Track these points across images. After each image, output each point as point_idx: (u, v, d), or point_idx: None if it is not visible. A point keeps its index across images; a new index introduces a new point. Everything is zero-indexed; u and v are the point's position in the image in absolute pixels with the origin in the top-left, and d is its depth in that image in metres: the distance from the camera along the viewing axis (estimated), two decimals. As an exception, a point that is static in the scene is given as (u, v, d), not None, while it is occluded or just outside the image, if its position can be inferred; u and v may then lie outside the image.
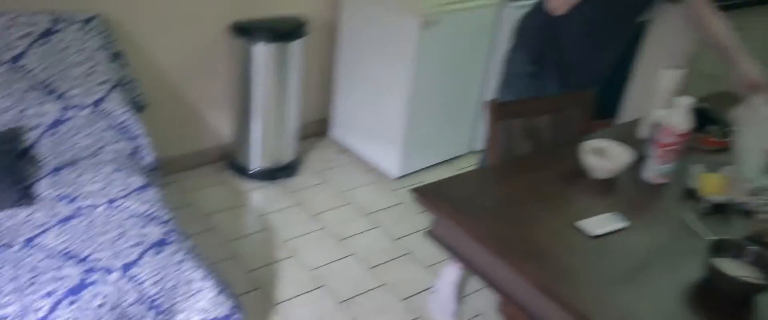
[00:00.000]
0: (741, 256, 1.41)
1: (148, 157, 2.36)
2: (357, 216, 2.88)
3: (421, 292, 2.46)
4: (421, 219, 2.88)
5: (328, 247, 2.65)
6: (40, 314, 1.58)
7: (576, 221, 1.53)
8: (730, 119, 1.97)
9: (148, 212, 1.96)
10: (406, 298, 2.42)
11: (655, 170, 1.75)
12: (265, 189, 3.00)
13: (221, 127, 3.08)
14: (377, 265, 2.58)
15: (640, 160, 1.80)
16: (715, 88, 2.39)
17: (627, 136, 1.97)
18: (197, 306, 1.82)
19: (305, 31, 2.92)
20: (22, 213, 1.93)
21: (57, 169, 2.15)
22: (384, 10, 2.93)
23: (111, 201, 1.99)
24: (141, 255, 1.76)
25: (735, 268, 1.38)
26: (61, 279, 1.65)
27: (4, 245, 1.78)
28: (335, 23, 3.20)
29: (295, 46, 2.89)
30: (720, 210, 1.65)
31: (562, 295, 1.30)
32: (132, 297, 1.70)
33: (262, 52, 2.81)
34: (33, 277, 1.66)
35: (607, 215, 1.57)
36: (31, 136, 2.18)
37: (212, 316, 1.83)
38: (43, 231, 1.84)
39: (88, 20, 2.37)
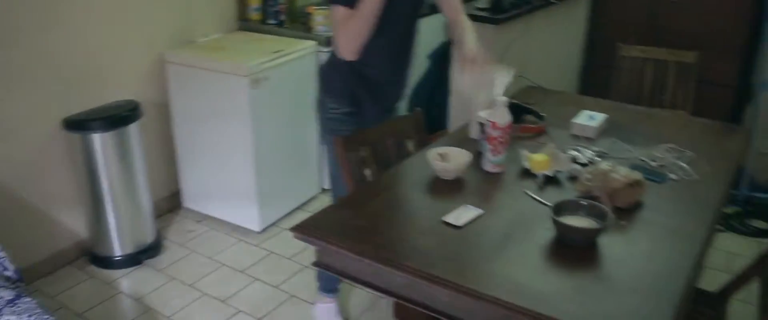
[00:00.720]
0: (578, 212, 1.70)
1: (10, 270, 2.29)
2: (232, 275, 2.94)
3: (313, 329, 2.57)
4: (293, 263, 3.00)
5: (214, 310, 2.69)
6: None
7: (441, 217, 1.74)
8: (538, 108, 2.32)
9: None
10: (301, 338, 2.53)
11: (491, 161, 2.02)
12: (133, 274, 2.97)
13: (75, 223, 3.02)
14: (266, 315, 2.66)
15: (477, 157, 2.07)
16: (518, 85, 2.77)
17: (462, 139, 2.24)
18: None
19: (139, 113, 2.96)
20: None
21: None
22: (211, 77, 3.05)
23: (-14, 318, 1.93)
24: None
25: (576, 221, 1.66)
26: None
27: None
28: (166, 99, 3.26)
29: (133, 130, 2.92)
30: (552, 181, 1.95)
31: (448, 280, 1.49)
32: None
33: (100, 141, 2.82)
34: None
35: (463, 207, 1.80)
36: None
37: None
38: None
39: None
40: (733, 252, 3.16)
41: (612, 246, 1.64)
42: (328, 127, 2.35)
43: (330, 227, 1.73)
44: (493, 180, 2.00)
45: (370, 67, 2.25)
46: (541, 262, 1.59)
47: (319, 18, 3.34)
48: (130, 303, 2.78)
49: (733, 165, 2.17)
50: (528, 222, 1.73)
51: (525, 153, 2.06)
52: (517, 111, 2.39)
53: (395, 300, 1.67)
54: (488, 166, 2.03)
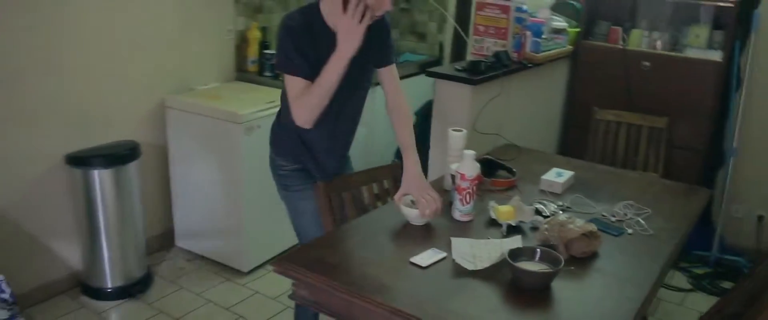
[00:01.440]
0: (534, 258, 1.85)
1: (6, 293, 2.43)
2: (219, 312, 3.07)
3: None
4: (277, 303, 3.12)
5: (197, 345, 2.81)
6: None
7: (409, 258, 1.90)
8: (511, 165, 2.49)
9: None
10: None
11: (460, 210, 2.17)
12: (123, 306, 3.09)
13: (70, 254, 3.16)
14: (246, 351, 2.78)
15: (449, 206, 2.23)
16: (494, 143, 2.95)
17: (436, 190, 2.40)
18: None
19: (138, 153, 3.14)
20: None
21: None
22: (208, 123, 3.23)
23: (-19, 336, 2.07)
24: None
25: (531, 266, 1.81)
26: None
27: None
28: (165, 142, 3.44)
29: (131, 168, 3.09)
30: (515, 231, 2.10)
31: (408, 313, 1.64)
32: None
33: (100, 177, 2.98)
34: None
35: (431, 250, 1.95)
36: None
37: None
38: None
39: (-77, 172, 2.45)
40: (702, 311, 3.28)
41: (564, 290, 1.78)
42: (282, 183, 2.38)
43: (306, 263, 1.88)
44: (461, 227, 2.15)
45: (309, 133, 2.23)
46: (497, 302, 1.74)
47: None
48: (118, 335, 2.90)
49: (688, 222, 2.32)
50: (489, 267, 1.88)
51: (493, 204, 2.22)
52: (491, 166, 2.58)
53: (362, 332, 1.81)
54: (457, 215, 2.18)
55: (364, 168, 2.55)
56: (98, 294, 3.14)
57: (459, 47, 4.15)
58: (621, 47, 3.70)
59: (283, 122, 2.34)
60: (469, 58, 3.30)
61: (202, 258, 3.52)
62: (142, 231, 3.22)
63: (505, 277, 1.81)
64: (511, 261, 1.78)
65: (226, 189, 3.29)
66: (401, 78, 3.91)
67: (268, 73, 3.71)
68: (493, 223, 2.16)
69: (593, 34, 3.86)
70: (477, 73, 2.86)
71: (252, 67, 3.75)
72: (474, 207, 2.18)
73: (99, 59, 3.10)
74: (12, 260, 2.89)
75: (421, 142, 3.52)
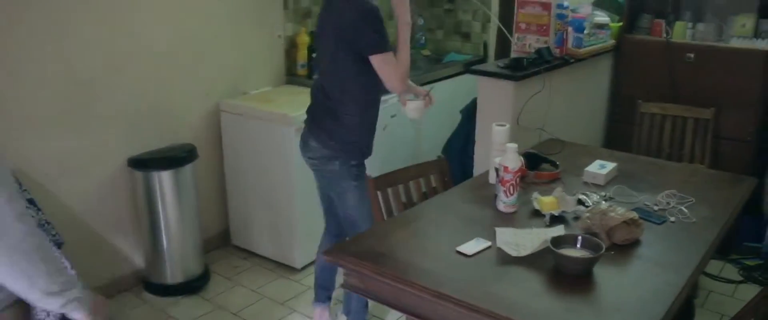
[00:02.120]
0: (576, 245, 1.91)
1: (77, 287, 2.59)
2: (273, 307, 3.20)
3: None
4: (330, 297, 3.24)
5: (255, 337, 2.95)
6: None
7: (455, 247, 1.98)
8: (555, 158, 2.55)
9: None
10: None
11: (504, 202, 2.24)
12: (183, 302, 3.25)
13: (133, 252, 3.34)
14: (301, 342, 2.91)
15: (493, 198, 2.30)
16: (538, 138, 3.00)
17: (482, 184, 2.49)
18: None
19: (195, 155, 3.29)
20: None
21: (-4, 312, 2.35)
22: (260, 126, 3.36)
23: (58, 326, 2.22)
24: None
25: (573, 253, 1.87)
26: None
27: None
28: (220, 144, 3.60)
29: (188, 170, 3.24)
30: (558, 221, 2.16)
31: (456, 298, 1.72)
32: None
33: (160, 179, 3.14)
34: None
35: (475, 240, 2.03)
36: (-34, 287, 2.37)
37: None
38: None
39: (0, 175, 2.63)
40: (752, 302, 3.27)
41: (605, 275, 1.84)
42: (353, 178, 2.59)
43: (356, 253, 1.98)
44: (505, 218, 2.22)
45: (372, 115, 2.64)
46: (540, 287, 1.81)
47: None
48: (180, 328, 3.06)
49: (732, 210, 2.33)
50: (532, 254, 1.95)
51: (536, 195, 2.28)
52: (535, 160, 2.63)
53: (411, 317, 1.90)
54: (501, 206, 2.25)
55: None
56: (160, 290, 3.30)
57: (503, 46, 4.19)
58: (664, 40, 3.70)
59: (347, 123, 2.54)
60: (512, 55, 3.35)
61: (257, 255, 3.66)
62: (200, 230, 3.37)
63: (547, 264, 1.88)
64: (553, 248, 1.84)
65: (278, 188, 3.42)
66: (446, 77, 4.03)
67: (316, 76, 3.82)
68: (537, 214, 2.22)
69: (636, 27, 3.87)
70: (519, 70, 2.92)
71: (301, 71, 3.88)
72: (518, 199, 2.25)
73: (161, 67, 3.28)
74: (81, 258, 3.04)
75: (468, 140, 3.61)
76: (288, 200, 3.40)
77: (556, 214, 2.18)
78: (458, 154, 3.74)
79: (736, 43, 3.55)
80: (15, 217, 1.48)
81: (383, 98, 2.73)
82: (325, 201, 2.84)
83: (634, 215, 2.03)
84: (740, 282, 3.45)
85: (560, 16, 3.23)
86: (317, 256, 3.01)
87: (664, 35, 3.72)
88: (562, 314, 1.68)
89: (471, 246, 1.98)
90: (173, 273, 3.29)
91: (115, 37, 3.06)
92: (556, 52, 3.23)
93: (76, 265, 2.75)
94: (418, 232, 2.14)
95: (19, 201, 1.52)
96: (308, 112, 2.69)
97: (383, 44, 2.38)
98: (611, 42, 3.74)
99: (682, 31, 3.71)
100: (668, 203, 2.32)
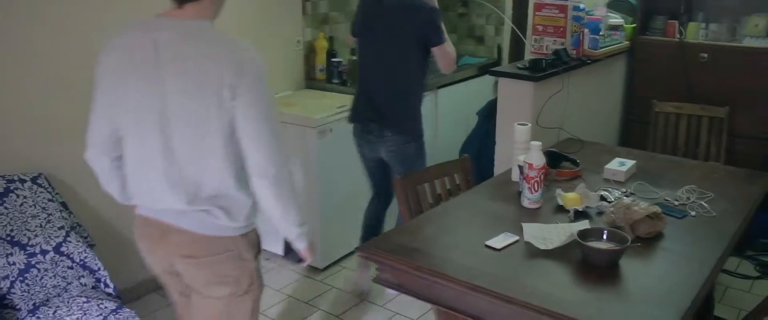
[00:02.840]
0: (602, 238, 1.97)
1: (110, 287, 2.67)
2: (298, 306, 3.26)
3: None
4: (352, 297, 3.30)
5: (281, 335, 3.01)
6: None
7: (484, 242, 2.04)
8: (575, 156, 2.61)
9: (132, 327, 2.28)
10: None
11: (528, 198, 2.31)
12: (209, 302, 3.31)
13: (159, 255, 3.39)
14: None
15: (517, 196, 2.37)
16: (557, 137, 3.07)
17: (504, 182, 2.55)
18: None
19: (219, 157, 3.36)
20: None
21: (33, 310, 2.43)
22: (283, 128, 3.39)
23: (95, 324, 2.30)
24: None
25: (599, 245, 1.93)
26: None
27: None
28: (242, 147, 3.67)
29: (213, 172, 3.31)
30: (582, 216, 2.22)
31: (491, 290, 1.78)
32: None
33: (186, 181, 3.21)
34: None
35: (503, 234, 2.09)
36: (4, 286, 2.44)
37: None
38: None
39: (35, 178, 2.71)
40: (769, 297, 3.32)
41: (631, 267, 1.90)
42: (420, 147, 3.05)
43: (389, 248, 2.04)
44: (530, 214, 2.28)
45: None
46: (567, 279, 1.87)
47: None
48: (207, 327, 3.11)
49: (752, 204, 2.39)
50: (559, 247, 2.01)
51: (559, 192, 2.34)
52: (555, 158, 2.69)
53: (442, 309, 1.96)
54: (526, 203, 2.32)
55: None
56: (187, 290, 3.36)
57: (517, 48, 4.26)
58: (678, 40, 3.76)
59: (416, 99, 2.99)
60: (529, 57, 3.42)
61: (281, 257, 3.72)
62: (225, 232, 3.43)
63: (575, 256, 1.94)
64: (580, 240, 1.90)
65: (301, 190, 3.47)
66: (462, 80, 4.11)
67: (335, 80, 3.90)
68: (561, 210, 2.28)
69: (650, 28, 3.94)
70: (538, 70, 2.99)
71: (320, 75, 3.95)
72: (542, 196, 2.31)
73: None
74: (113, 260, 3.13)
75: (484, 141, 3.68)
76: (310, 201, 3.46)
77: (580, 209, 2.24)
78: (475, 155, 3.80)
79: (749, 43, 3.61)
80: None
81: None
82: (374, 177, 3.25)
83: (657, 209, 2.09)
84: (757, 277, 3.49)
85: (576, 18, 3.30)
86: (365, 217, 3.35)
87: (678, 36, 3.78)
88: (594, 303, 1.74)
89: (499, 241, 2.05)
90: (199, 274, 3.35)
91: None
92: (573, 53, 3.30)
93: (108, 266, 2.84)
94: (448, 228, 2.20)
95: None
96: (370, 109, 2.99)
97: (444, 36, 2.88)
98: (625, 43, 3.81)
99: (695, 32, 3.77)
100: (688, 198, 2.37)
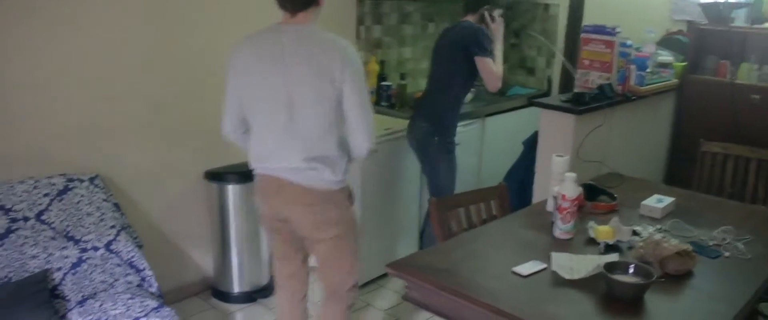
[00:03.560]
0: (628, 272, 1.99)
1: (153, 287, 2.80)
2: (331, 320, 3.33)
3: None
4: (388, 315, 3.35)
5: (313, 347, 3.08)
6: None
7: (511, 268, 2.08)
8: (613, 191, 2.63)
9: (171, 325, 2.39)
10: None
11: (560, 228, 2.34)
12: (248, 310, 3.42)
13: (203, 260, 3.54)
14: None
15: (550, 225, 2.40)
16: (597, 171, 3.08)
17: (539, 211, 2.59)
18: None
19: (266, 170, 3.48)
20: (67, 337, 2.32)
21: (81, 302, 2.56)
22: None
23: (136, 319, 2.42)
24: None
25: (626, 278, 1.96)
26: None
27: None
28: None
29: (259, 184, 3.43)
30: (612, 250, 2.24)
31: (510, 313, 1.82)
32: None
33: (233, 192, 3.34)
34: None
35: (531, 262, 2.13)
36: (57, 277, 2.59)
37: None
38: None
39: (92, 179, 2.87)
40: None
41: (656, 302, 1.92)
42: (448, 151, 3.43)
43: (420, 267, 2.10)
44: (561, 244, 2.31)
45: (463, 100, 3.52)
46: (591, 309, 1.90)
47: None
48: (243, 334, 3.23)
49: (791, 251, 2.37)
50: (585, 278, 2.03)
51: (592, 224, 2.37)
52: (593, 191, 2.72)
53: (466, 330, 2.01)
54: (558, 233, 2.35)
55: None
56: (226, 297, 3.49)
57: (567, 81, 4.29)
58: (728, 80, 3.73)
59: (450, 106, 3.42)
60: (575, 90, 3.45)
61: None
62: (266, 243, 3.55)
63: (600, 288, 1.97)
64: (606, 272, 1.93)
65: (342, 207, 3.56)
66: (510, 110, 4.17)
67: (384, 103, 3.99)
68: (592, 242, 2.31)
69: (701, 68, 3.92)
70: (581, 104, 3.03)
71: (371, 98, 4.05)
72: (574, 227, 2.34)
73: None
74: (156, 262, 3.26)
75: (528, 170, 3.72)
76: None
77: (611, 243, 2.26)
78: (518, 184, 3.83)
79: (803, 87, 3.56)
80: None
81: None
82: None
83: (688, 246, 2.10)
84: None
85: (623, 54, 3.32)
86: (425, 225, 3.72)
87: (729, 76, 3.76)
88: (613, 334, 1.77)
89: (527, 268, 2.09)
90: (240, 282, 3.47)
91: (197, 61, 3.29)
92: (618, 88, 3.32)
93: (152, 267, 2.98)
94: (477, 252, 2.25)
95: None
96: (416, 106, 3.63)
97: (485, 51, 3.21)
98: (674, 81, 3.80)
99: (747, 73, 3.74)
100: (724, 239, 2.36)
